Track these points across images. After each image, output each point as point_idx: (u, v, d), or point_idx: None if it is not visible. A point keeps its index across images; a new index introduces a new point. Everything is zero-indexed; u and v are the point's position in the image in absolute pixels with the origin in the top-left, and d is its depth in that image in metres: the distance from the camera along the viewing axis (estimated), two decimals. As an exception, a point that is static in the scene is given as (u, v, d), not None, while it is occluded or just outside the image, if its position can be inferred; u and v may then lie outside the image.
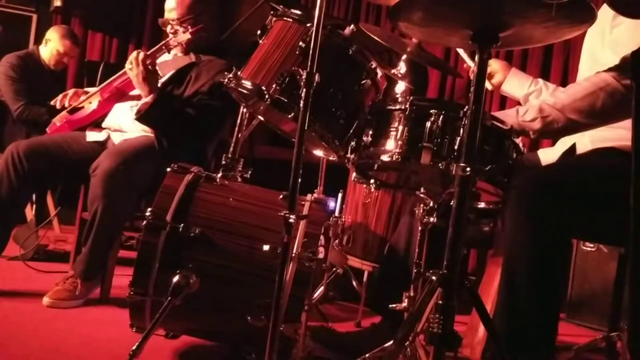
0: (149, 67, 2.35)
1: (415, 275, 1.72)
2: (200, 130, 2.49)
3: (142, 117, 2.34)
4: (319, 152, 2.00)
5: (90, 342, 1.90)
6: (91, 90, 2.69)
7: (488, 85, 2.15)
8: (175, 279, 1.57)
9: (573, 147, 1.85)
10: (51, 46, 3.93)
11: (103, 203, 2.23)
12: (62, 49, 3.94)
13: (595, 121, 1.63)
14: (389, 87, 2.50)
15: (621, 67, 1.61)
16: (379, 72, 1.76)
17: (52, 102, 2.67)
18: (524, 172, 1.58)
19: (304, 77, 1.38)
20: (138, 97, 2.48)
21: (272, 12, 1.78)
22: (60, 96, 2.66)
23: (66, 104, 2.63)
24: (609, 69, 1.63)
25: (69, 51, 3.98)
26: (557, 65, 3.89)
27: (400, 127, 1.53)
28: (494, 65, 2.16)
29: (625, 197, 1.26)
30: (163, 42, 2.55)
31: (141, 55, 2.36)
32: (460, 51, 2.37)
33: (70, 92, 2.68)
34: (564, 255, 1.58)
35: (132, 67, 2.36)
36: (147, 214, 1.64)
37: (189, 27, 2.56)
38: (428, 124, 1.49)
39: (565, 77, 3.81)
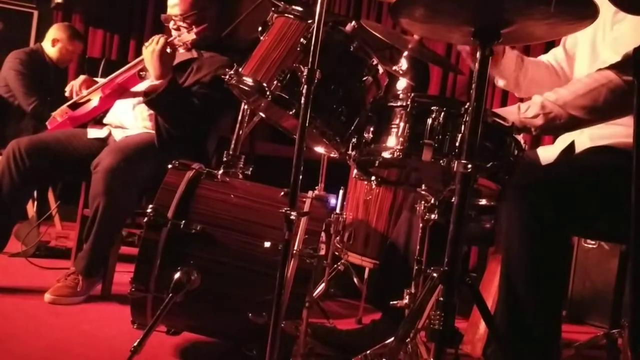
0: (168, 49, 2.32)
1: (416, 272, 1.72)
2: (199, 120, 2.48)
3: (152, 101, 2.32)
4: (320, 149, 2.00)
5: (91, 339, 1.90)
6: (100, 80, 2.68)
7: (500, 82, 2.07)
8: (177, 275, 1.57)
9: (572, 145, 1.85)
10: (61, 47, 4.05)
11: (104, 200, 2.24)
12: (72, 48, 4.10)
13: (597, 117, 1.63)
14: (390, 84, 2.50)
15: (623, 63, 1.60)
16: (380, 69, 1.76)
17: (67, 94, 2.65)
18: (522, 170, 1.58)
19: (305, 73, 1.38)
20: (140, 94, 2.47)
21: (273, 9, 1.78)
22: (70, 86, 2.64)
23: (74, 95, 2.61)
24: (611, 66, 1.62)
25: (77, 49, 4.16)
26: (559, 62, 3.87)
27: (402, 124, 1.53)
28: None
29: (624, 195, 1.26)
30: (170, 39, 2.54)
31: (162, 37, 2.34)
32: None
33: (81, 78, 2.66)
34: (563, 253, 1.57)
35: (149, 45, 2.34)
36: (148, 210, 1.64)
37: (192, 24, 2.55)
38: (429, 121, 1.49)
39: (567, 74, 3.79)
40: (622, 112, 1.62)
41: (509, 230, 1.50)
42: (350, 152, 1.69)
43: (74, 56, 4.17)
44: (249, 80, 1.68)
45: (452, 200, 1.28)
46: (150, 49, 2.32)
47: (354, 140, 1.67)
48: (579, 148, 1.82)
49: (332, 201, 2.55)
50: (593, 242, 3.13)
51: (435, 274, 1.28)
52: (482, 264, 3.10)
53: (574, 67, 1.97)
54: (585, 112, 1.60)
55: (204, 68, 2.53)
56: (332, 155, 1.95)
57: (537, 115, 1.61)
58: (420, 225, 1.74)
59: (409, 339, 1.56)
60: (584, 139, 1.80)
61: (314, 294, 2.42)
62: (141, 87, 2.47)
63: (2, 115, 3.86)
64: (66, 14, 4.89)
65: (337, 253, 2.66)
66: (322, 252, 2.48)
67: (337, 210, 2.53)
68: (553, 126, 1.63)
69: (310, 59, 1.38)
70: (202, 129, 2.56)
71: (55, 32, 4.06)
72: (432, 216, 1.71)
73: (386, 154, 1.55)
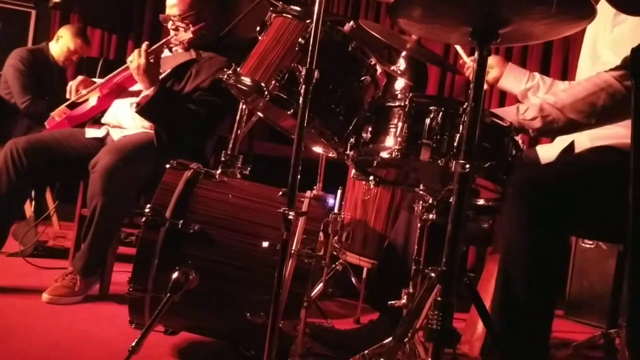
0: (151, 59, 2.34)
1: (414, 272, 1.72)
2: (200, 126, 2.49)
3: (142, 110, 2.34)
4: (318, 149, 2.00)
5: (89, 339, 1.90)
6: (98, 80, 2.68)
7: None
8: (175, 275, 1.57)
9: (572, 145, 1.85)
10: (62, 43, 4.05)
11: (102, 199, 2.23)
12: (73, 47, 4.06)
13: (595, 121, 1.63)
14: (388, 84, 2.49)
15: (623, 67, 1.60)
16: (379, 69, 1.76)
17: (67, 96, 2.65)
18: (521, 169, 1.58)
19: (303, 73, 1.38)
20: (137, 93, 2.48)
21: (271, 9, 1.78)
22: (69, 87, 2.64)
23: (72, 94, 2.61)
24: (611, 69, 1.63)
25: (79, 49, 4.10)
26: (557, 62, 3.89)
27: (400, 124, 1.53)
28: (490, 61, 2.14)
29: (623, 195, 1.26)
30: (164, 40, 2.55)
31: (143, 46, 2.36)
32: (458, 48, 2.37)
33: (78, 79, 2.66)
34: (561, 253, 1.58)
35: (133, 60, 2.36)
36: (147, 210, 1.64)
37: (190, 24, 2.56)
38: (427, 121, 1.49)
39: (565, 74, 3.81)
40: (620, 117, 1.62)
41: (507, 229, 1.51)
42: (348, 151, 1.69)
43: (76, 56, 4.11)
44: (247, 80, 1.67)
45: (450, 200, 1.29)
46: (135, 65, 2.34)
47: (352, 140, 1.67)
48: (578, 148, 1.82)
49: (330, 201, 2.55)
50: (591, 242, 3.14)
51: (433, 274, 1.28)
52: (480, 264, 3.11)
53: None
54: (584, 116, 1.60)
55: (202, 72, 2.53)
56: (330, 155, 1.95)
57: (535, 117, 1.61)
58: (419, 225, 1.74)
59: (407, 339, 1.56)
60: (583, 139, 1.80)
61: (312, 294, 2.42)
62: (139, 86, 2.47)
63: (1, 114, 3.86)
64: (64, 13, 4.89)
65: (335, 253, 2.65)
66: (320, 252, 2.48)
67: (335, 210, 2.53)
68: (551, 129, 1.63)
69: (309, 59, 1.38)
70: (202, 132, 2.56)
71: (62, 29, 4.09)
72: (430, 216, 1.71)
73: (384, 154, 1.55)
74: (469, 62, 2.23)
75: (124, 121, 2.57)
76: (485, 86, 2.15)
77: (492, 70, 2.14)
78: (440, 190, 1.71)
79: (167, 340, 1.90)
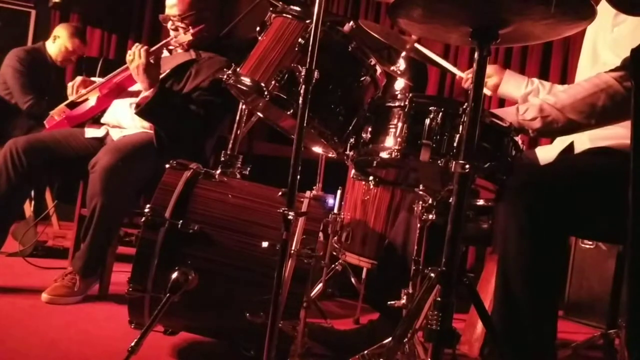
0: (151, 60, 2.34)
1: (413, 272, 1.72)
2: (200, 126, 2.49)
3: (142, 111, 2.33)
4: (318, 149, 1.99)
5: (89, 339, 1.90)
6: (97, 80, 2.68)
7: (486, 91, 2.13)
8: (174, 275, 1.57)
9: (571, 145, 1.85)
10: (59, 43, 4.02)
11: (102, 199, 2.23)
12: (71, 47, 4.05)
13: (595, 122, 1.63)
14: (388, 84, 2.50)
15: (622, 68, 1.60)
16: (379, 69, 1.76)
17: (69, 98, 2.64)
18: (519, 170, 1.58)
19: (303, 73, 1.38)
20: (137, 93, 2.48)
21: (271, 9, 1.78)
22: (70, 88, 2.64)
23: (74, 94, 2.61)
24: (611, 70, 1.63)
25: (77, 49, 4.09)
26: (557, 63, 3.89)
27: (400, 124, 1.53)
28: (488, 70, 2.13)
29: (622, 196, 1.26)
30: (164, 41, 2.55)
31: (143, 46, 2.35)
32: (447, 64, 2.38)
33: (78, 79, 2.66)
34: (559, 253, 1.57)
35: (133, 58, 2.35)
36: (146, 210, 1.64)
37: (190, 24, 2.56)
38: (427, 121, 1.49)
39: (565, 75, 3.81)
40: (619, 117, 1.62)
41: (505, 229, 1.50)
42: (348, 152, 1.69)
43: (74, 56, 4.11)
44: (247, 80, 1.67)
45: (450, 201, 1.29)
46: (135, 64, 2.34)
47: (352, 140, 1.67)
48: (578, 149, 1.82)
49: (330, 201, 2.55)
50: (590, 243, 3.14)
51: (432, 274, 1.28)
52: (479, 264, 3.11)
53: None
54: (583, 116, 1.60)
55: (202, 72, 2.53)
56: (330, 155, 1.95)
57: (535, 117, 1.61)
58: (418, 225, 1.74)
59: (406, 339, 1.56)
60: (583, 139, 1.80)
61: (312, 294, 2.42)
62: (139, 86, 2.47)
63: (1, 114, 3.85)
64: (64, 13, 4.89)
65: (334, 253, 2.65)
66: (320, 253, 2.48)
67: (335, 210, 2.53)
68: (551, 129, 1.63)
69: (309, 59, 1.38)
70: (202, 132, 2.56)
71: (58, 29, 4.07)
72: (430, 216, 1.71)
73: (384, 154, 1.55)
74: (463, 75, 2.23)
75: (124, 121, 2.57)
76: (489, 93, 2.14)
77: (490, 79, 2.13)
78: (440, 191, 1.71)
79: (166, 340, 1.90)
